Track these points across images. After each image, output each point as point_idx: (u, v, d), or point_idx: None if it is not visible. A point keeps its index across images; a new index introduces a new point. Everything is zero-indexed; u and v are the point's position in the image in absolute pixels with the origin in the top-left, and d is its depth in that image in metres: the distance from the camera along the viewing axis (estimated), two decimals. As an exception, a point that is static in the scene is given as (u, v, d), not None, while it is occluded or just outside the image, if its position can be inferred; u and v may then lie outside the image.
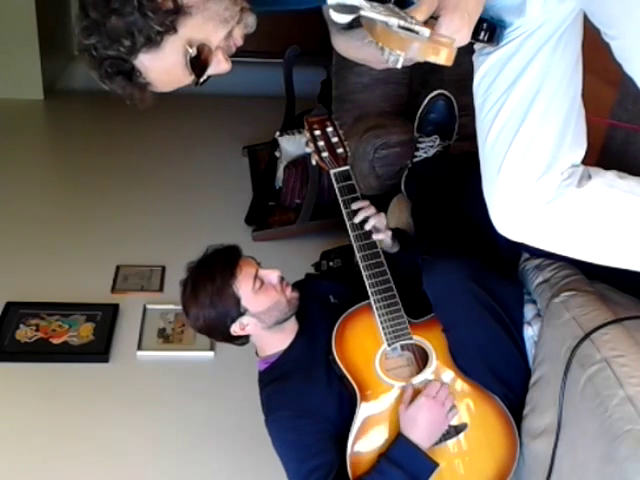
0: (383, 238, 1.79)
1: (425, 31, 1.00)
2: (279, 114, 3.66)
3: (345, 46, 1.44)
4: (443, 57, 1.00)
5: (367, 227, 1.76)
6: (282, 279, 1.75)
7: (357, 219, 1.76)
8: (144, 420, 2.32)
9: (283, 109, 3.66)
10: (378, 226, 1.78)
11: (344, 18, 1.04)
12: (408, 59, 1.03)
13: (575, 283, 1.68)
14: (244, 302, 1.68)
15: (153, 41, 1.09)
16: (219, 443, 2.24)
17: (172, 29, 1.09)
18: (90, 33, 1.10)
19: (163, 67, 1.14)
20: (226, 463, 2.18)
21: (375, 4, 1.03)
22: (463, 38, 1.13)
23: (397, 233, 1.88)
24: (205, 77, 1.20)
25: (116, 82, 1.15)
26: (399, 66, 1.04)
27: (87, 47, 1.11)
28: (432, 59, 1.00)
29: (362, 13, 1.02)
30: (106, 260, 2.96)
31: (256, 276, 1.70)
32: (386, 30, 1.00)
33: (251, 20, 1.20)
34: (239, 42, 1.20)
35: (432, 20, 1.10)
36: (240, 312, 1.68)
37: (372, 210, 1.79)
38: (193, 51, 1.13)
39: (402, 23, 0.99)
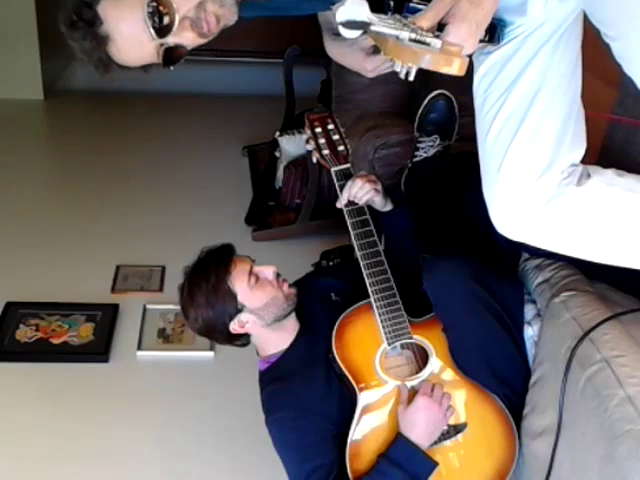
0: (369, 193, 1.78)
1: (437, 42, 1.00)
2: (279, 114, 3.66)
3: (336, 52, 1.45)
4: (456, 68, 1.00)
5: (361, 202, 1.77)
6: (278, 275, 1.75)
7: (343, 200, 1.77)
8: (144, 420, 2.32)
9: (283, 109, 3.66)
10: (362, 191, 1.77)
11: (354, 34, 1.03)
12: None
13: (575, 283, 1.68)
14: (241, 298, 1.68)
15: None
16: (219, 443, 2.24)
17: None
18: None
19: (124, 18, 1.17)
20: (226, 463, 2.18)
21: (383, 16, 1.03)
22: (469, 48, 1.13)
23: (389, 191, 1.87)
24: (170, 44, 1.19)
25: (79, 31, 1.19)
26: (411, 78, 1.03)
27: None
28: (445, 70, 1.00)
29: (372, 28, 1.02)
30: (106, 260, 2.96)
31: (251, 272, 1.70)
32: (397, 44, 1.00)
33: (228, 1, 1.19)
34: (212, 21, 1.19)
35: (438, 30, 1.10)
36: (238, 309, 1.68)
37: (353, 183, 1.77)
38: (154, 7, 1.14)
39: (413, 36, 0.99)
